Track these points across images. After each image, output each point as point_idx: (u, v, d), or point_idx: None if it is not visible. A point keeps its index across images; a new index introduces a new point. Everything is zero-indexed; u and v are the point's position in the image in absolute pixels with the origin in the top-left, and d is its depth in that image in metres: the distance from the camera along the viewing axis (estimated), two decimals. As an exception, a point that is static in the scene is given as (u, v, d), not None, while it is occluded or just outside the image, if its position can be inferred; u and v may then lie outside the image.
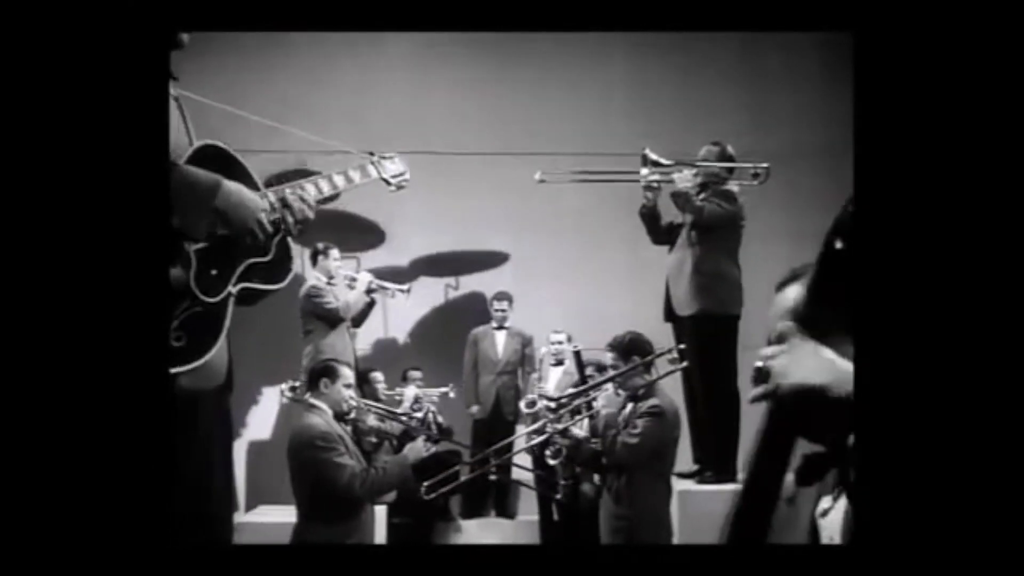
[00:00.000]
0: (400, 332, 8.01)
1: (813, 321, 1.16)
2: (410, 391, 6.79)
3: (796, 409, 1.12)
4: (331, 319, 6.19)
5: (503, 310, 7.40)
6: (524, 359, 7.36)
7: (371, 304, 6.54)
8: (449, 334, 7.68)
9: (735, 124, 7.33)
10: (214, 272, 1.98)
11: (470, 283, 8.06)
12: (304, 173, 2.29)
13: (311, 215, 2.13)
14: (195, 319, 1.93)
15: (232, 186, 2.00)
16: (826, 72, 7.38)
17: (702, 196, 5.13)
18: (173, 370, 1.87)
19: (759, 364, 1.15)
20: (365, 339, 7.67)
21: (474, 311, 7.76)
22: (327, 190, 2.24)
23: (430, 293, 8.00)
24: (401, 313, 7.79)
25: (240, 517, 4.83)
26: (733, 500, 1.20)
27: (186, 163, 1.98)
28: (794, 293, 1.28)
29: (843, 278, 1.12)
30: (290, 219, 2.11)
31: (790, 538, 1.52)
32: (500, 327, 7.41)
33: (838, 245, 1.10)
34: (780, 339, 1.16)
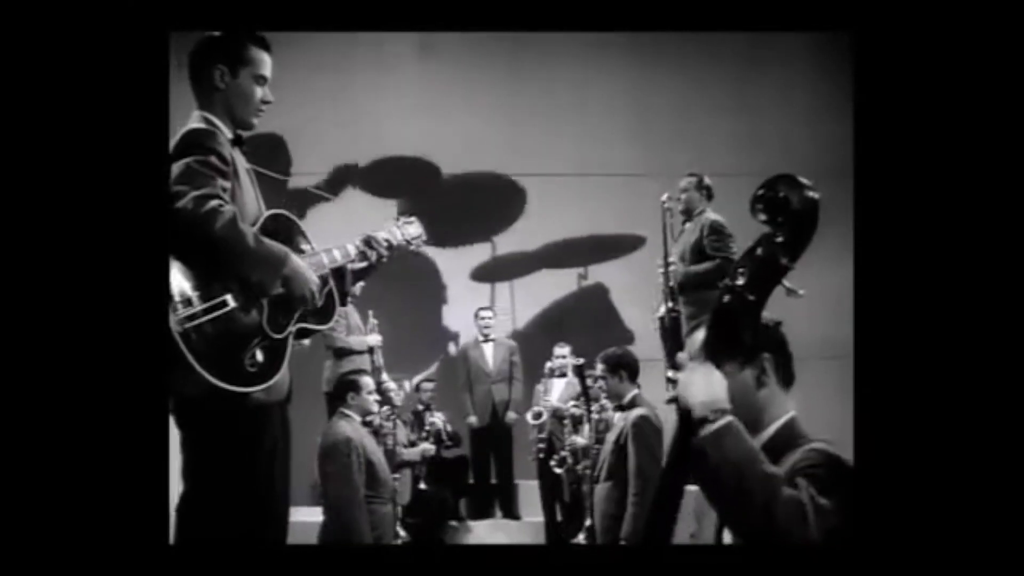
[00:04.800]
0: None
1: (712, 351, 1.63)
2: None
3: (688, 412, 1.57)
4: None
5: (487, 318, 7.53)
6: (513, 367, 7.47)
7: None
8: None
9: (729, 146, 7.73)
10: (280, 316, 2.45)
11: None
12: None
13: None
14: (265, 350, 2.39)
15: (296, 261, 2.45)
16: (823, 93, 7.70)
17: (694, 231, 5.55)
18: (249, 389, 2.33)
19: (669, 375, 1.65)
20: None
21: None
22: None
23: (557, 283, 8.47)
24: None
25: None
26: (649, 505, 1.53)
27: (260, 229, 2.45)
28: (700, 335, 1.79)
29: (730, 330, 1.63)
30: (374, 259, 2.70)
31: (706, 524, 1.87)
32: (487, 339, 7.52)
33: (725, 299, 1.60)
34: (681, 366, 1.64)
